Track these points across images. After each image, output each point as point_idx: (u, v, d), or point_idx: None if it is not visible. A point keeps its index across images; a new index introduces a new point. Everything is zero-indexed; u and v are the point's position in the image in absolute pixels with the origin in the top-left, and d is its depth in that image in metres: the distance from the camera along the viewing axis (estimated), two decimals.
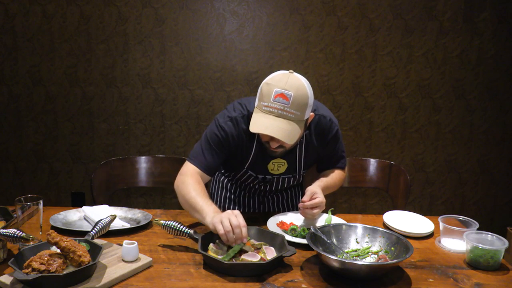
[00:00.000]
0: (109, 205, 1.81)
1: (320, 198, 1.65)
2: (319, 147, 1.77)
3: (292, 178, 1.83)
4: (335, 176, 1.85)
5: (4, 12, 2.89)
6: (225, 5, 2.94)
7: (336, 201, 3.25)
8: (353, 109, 3.13)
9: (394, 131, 3.18)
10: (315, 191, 1.66)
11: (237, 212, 1.44)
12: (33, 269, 1.18)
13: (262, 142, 1.64)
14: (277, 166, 1.76)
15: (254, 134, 1.65)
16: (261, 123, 1.51)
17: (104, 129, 3.09)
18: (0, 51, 2.95)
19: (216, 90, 3.06)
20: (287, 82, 1.50)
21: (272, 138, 1.56)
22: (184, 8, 2.94)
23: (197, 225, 1.71)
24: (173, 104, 3.07)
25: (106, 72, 3.01)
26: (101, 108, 3.06)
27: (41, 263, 1.20)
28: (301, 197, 2.07)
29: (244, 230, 1.40)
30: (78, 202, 3.14)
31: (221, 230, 1.40)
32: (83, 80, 3.01)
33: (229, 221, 1.40)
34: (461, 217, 1.63)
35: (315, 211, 1.65)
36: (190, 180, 1.61)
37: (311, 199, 1.65)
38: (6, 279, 1.21)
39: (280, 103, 1.49)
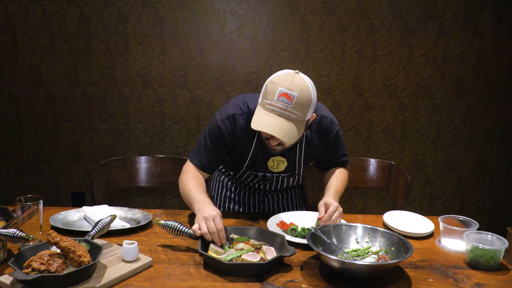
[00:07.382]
0: (109, 205, 1.81)
1: (332, 207, 1.61)
2: (319, 147, 1.79)
3: (291, 178, 1.84)
4: (341, 178, 1.83)
5: (4, 12, 2.89)
6: (225, 5, 2.94)
7: None
8: (353, 109, 3.12)
9: (394, 131, 3.17)
10: (326, 202, 1.64)
11: (215, 214, 1.46)
12: (33, 269, 1.18)
13: (262, 139, 1.66)
14: (277, 164, 1.77)
15: (254, 131, 1.67)
16: (263, 121, 1.52)
17: (104, 129, 3.09)
18: (0, 51, 2.95)
19: (216, 90, 3.06)
20: (292, 83, 1.50)
21: (273, 136, 1.56)
22: (184, 8, 2.94)
23: None
24: (173, 104, 3.07)
25: (106, 72, 3.01)
26: (101, 108, 3.06)
27: (41, 263, 1.20)
28: (301, 197, 2.07)
29: (222, 234, 1.45)
30: (78, 202, 3.14)
31: (198, 232, 1.46)
32: (83, 80, 3.01)
33: (207, 225, 1.44)
34: (461, 217, 1.63)
35: (337, 219, 1.61)
36: (187, 176, 1.70)
37: (326, 211, 1.62)
38: (6, 279, 1.21)
39: (283, 103, 1.49)
